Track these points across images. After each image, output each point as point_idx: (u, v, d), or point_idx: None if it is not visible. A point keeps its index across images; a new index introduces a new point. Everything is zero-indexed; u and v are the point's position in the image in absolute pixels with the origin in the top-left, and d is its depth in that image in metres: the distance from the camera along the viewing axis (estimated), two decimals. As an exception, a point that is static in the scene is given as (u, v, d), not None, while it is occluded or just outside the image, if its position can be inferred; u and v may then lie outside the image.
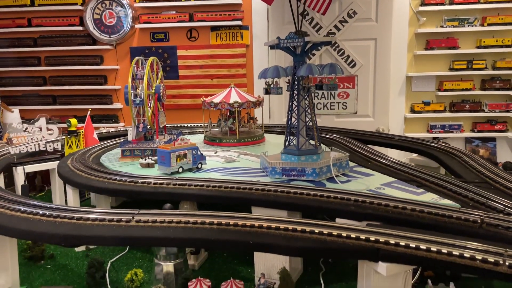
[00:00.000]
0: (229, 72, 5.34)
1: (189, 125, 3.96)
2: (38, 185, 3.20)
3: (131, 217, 1.69)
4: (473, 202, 1.83)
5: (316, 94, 5.20)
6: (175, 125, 3.92)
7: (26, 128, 2.76)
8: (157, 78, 2.82)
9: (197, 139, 3.32)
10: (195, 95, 5.31)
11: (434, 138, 5.04)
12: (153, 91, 2.71)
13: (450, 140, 5.05)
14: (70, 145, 3.03)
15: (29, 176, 3.15)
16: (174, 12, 5.19)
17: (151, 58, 2.71)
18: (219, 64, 5.35)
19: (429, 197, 1.92)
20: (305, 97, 2.29)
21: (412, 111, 5.04)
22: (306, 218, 1.75)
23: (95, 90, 5.34)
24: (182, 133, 3.17)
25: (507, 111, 4.85)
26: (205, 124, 3.31)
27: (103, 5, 5.24)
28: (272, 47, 2.30)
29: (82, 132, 3.08)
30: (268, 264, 1.97)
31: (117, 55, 5.39)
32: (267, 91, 2.43)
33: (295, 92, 2.29)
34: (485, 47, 4.77)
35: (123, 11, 5.23)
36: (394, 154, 4.09)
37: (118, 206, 2.84)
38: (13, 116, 4.87)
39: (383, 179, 2.21)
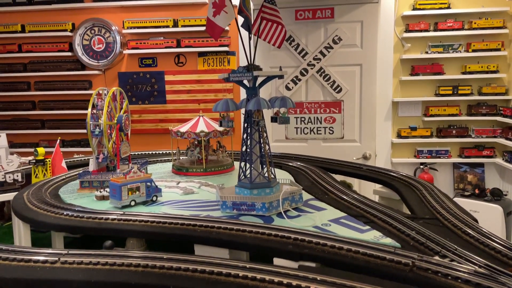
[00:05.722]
0: (216, 97, 5.37)
1: (160, 152, 3.94)
2: (7, 213, 3.20)
3: (57, 258, 1.67)
4: (414, 242, 1.78)
5: (302, 119, 5.21)
6: (151, 152, 3.91)
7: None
8: (121, 108, 2.83)
9: (167, 167, 3.31)
10: (182, 119, 5.33)
11: (421, 164, 4.99)
12: (115, 121, 2.72)
13: (438, 166, 4.99)
14: (36, 175, 3.04)
15: (-3, 205, 3.17)
16: (162, 38, 5.27)
17: (113, 89, 2.73)
18: (206, 89, 5.39)
19: (372, 235, 1.87)
20: (258, 129, 2.27)
21: (399, 136, 5.00)
22: (233, 260, 1.71)
23: (83, 114, 5.38)
24: (148, 162, 3.16)
25: (495, 137, 4.78)
26: (174, 152, 3.30)
27: (92, 31, 5.33)
28: (225, 80, 2.30)
29: (49, 160, 3.09)
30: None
31: (106, 80, 5.46)
32: (221, 123, 2.42)
33: (247, 124, 2.27)
34: (470, 72, 4.74)
35: (112, 37, 5.31)
36: (367, 185, 4.04)
37: (81, 237, 2.81)
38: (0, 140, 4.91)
39: (333, 214, 2.16)
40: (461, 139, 4.86)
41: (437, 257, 1.63)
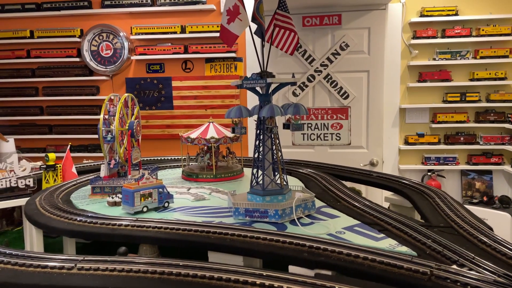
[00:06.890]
0: (223, 102, 5.37)
1: (169, 158, 3.94)
2: (17, 218, 3.21)
3: (73, 264, 1.67)
4: (430, 250, 1.77)
5: (309, 125, 5.21)
6: (160, 158, 3.91)
7: (-4, 165, 2.78)
8: (132, 114, 2.84)
9: (176, 173, 3.31)
10: (189, 125, 5.36)
11: (429, 171, 4.97)
12: (127, 127, 2.72)
13: (446, 173, 4.97)
14: (47, 180, 3.04)
15: (7, 210, 3.17)
16: (170, 44, 5.29)
17: (125, 95, 2.73)
18: (213, 95, 5.40)
19: (387, 244, 1.86)
20: (270, 136, 2.27)
21: (406, 142, 4.99)
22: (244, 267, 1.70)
23: (91, 120, 5.41)
24: (158, 168, 3.16)
25: (503, 144, 4.76)
26: (184, 157, 3.30)
27: (100, 37, 5.35)
28: (238, 86, 2.30)
29: (60, 166, 3.10)
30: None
31: (113, 86, 5.48)
32: (233, 130, 2.42)
33: (260, 131, 2.27)
34: (478, 79, 4.73)
35: (120, 43, 5.33)
36: (375, 192, 4.03)
37: (92, 243, 2.81)
38: (8, 145, 4.93)
39: (346, 221, 2.15)
40: (469, 146, 4.85)
41: (455, 266, 1.62)
